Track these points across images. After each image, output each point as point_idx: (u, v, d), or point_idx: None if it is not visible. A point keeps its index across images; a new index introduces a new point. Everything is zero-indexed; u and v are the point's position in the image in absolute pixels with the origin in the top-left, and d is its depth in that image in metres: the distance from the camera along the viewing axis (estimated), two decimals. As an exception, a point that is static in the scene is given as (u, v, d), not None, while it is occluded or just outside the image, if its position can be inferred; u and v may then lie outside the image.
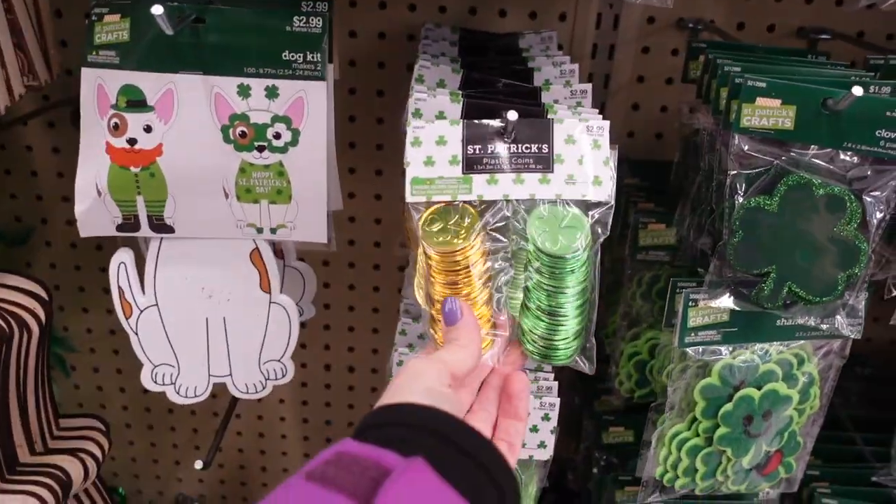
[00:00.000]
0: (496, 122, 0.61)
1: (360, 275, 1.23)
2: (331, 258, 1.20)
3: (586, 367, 0.64)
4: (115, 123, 0.70)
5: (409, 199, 0.61)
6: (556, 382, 0.74)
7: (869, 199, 0.66)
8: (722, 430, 0.77)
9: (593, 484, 1.10)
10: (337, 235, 0.81)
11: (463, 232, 0.59)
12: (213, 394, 0.83)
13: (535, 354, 0.63)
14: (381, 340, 1.29)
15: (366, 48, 1.03)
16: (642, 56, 1.03)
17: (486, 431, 0.56)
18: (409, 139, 0.61)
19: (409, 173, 0.61)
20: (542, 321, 0.61)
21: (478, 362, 0.57)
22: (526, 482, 0.76)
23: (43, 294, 0.86)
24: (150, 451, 1.47)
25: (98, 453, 0.92)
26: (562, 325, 0.61)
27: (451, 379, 0.53)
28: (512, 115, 0.59)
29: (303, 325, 0.82)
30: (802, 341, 0.77)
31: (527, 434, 0.73)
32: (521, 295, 0.63)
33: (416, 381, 0.51)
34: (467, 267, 0.60)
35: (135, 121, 0.70)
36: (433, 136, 0.61)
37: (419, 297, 0.67)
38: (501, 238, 0.62)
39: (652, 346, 0.98)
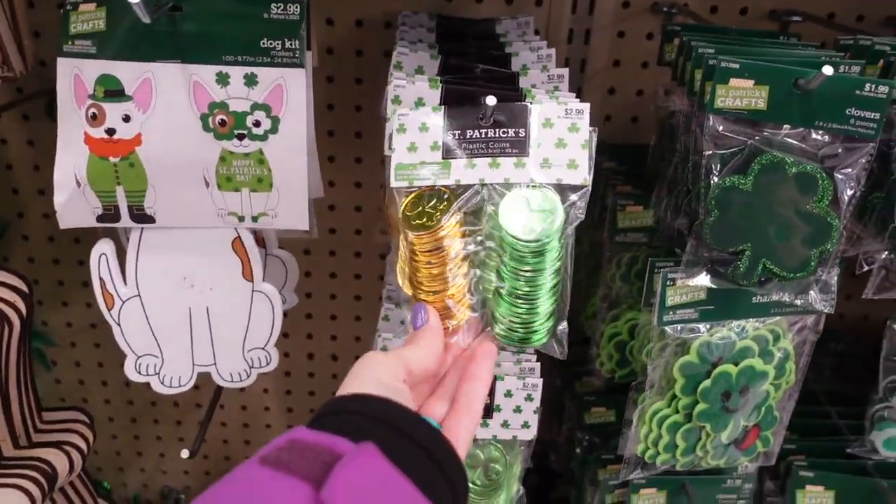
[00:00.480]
0: (475, 108, 0.61)
1: (341, 263, 1.23)
2: (311, 247, 1.20)
3: (558, 352, 0.65)
4: (93, 113, 0.69)
5: (392, 184, 0.62)
6: (539, 363, 0.75)
7: (840, 177, 0.67)
8: (701, 407, 0.79)
9: (576, 464, 1.12)
10: (317, 224, 0.81)
11: (437, 214, 0.60)
12: (196, 385, 0.83)
13: (506, 339, 0.64)
14: (363, 328, 1.30)
15: (343, 36, 1.03)
16: (618, 40, 1.04)
17: (443, 408, 0.56)
18: (394, 126, 0.62)
19: (394, 159, 0.62)
20: (514, 306, 0.61)
21: (436, 365, 0.57)
22: (511, 462, 0.77)
23: (23, 287, 0.85)
24: (133, 444, 1.46)
25: (83, 446, 0.92)
26: (533, 309, 0.61)
27: (407, 375, 0.53)
28: (490, 100, 0.59)
29: (285, 314, 0.82)
30: (777, 317, 0.79)
31: (511, 414, 0.75)
32: (493, 277, 0.63)
33: (369, 372, 0.52)
34: (441, 248, 0.60)
35: (113, 110, 0.69)
36: (416, 123, 0.62)
37: (401, 282, 0.67)
38: (476, 222, 0.62)
39: (632, 326, 0.99)
